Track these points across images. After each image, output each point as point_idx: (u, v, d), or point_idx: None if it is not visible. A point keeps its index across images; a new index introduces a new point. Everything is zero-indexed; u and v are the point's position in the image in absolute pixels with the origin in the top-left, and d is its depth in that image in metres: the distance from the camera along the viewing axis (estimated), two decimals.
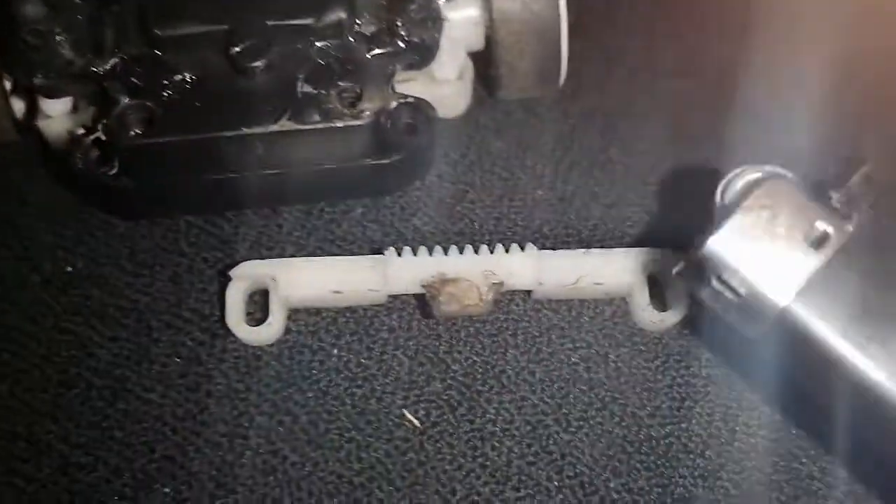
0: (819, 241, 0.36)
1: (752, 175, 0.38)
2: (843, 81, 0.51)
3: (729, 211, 0.36)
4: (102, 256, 0.45)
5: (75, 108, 0.44)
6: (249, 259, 0.44)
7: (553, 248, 0.45)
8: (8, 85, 0.44)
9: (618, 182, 0.48)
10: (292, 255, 0.45)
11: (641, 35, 0.53)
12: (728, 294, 0.36)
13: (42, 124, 0.44)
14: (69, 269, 0.45)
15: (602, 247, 0.46)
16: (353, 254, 0.46)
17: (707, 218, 0.38)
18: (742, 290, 0.36)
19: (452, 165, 0.48)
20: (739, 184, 0.38)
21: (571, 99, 0.51)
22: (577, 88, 0.51)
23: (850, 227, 0.36)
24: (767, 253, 0.36)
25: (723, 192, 0.38)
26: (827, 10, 0.54)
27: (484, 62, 0.48)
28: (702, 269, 0.36)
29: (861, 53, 0.53)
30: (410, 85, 0.45)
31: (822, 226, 0.36)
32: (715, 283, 0.36)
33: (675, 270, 0.38)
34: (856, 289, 0.35)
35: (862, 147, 0.49)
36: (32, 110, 0.45)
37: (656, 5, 0.54)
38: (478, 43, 0.47)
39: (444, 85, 0.46)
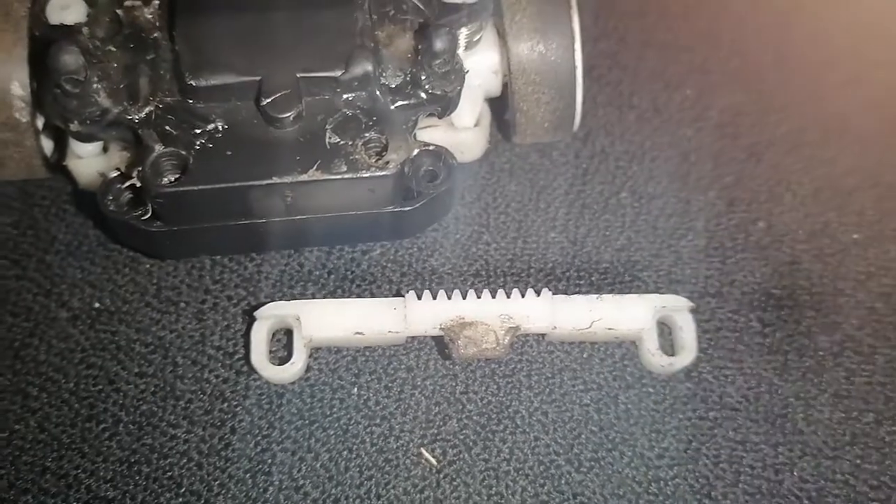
0: None
1: None
2: (844, 129, 0.53)
3: None
4: (129, 293, 0.46)
5: (105, 149, 0.45)
6: (272, 297, 0.46)
7: (565, 290, 0.47)
8: (39, 124, 0.45)
9: (628, 226, 0.50)
10: (313, 294, 0.47)
11: (651, 81, 0.55)
12: None
13: (72, 164, 0.45)
14: (97, 305, 0.46)
15: (612, 290, 0.47)
16: (372, 293, 0.47)
17: None
18: None
19: (468, 207, 0.50)
20: None
21: (584, 143, 0.52)
22: (590, 133, 0.52)
23: None
24: None
25: None
26: (829, 57, 0.56)
27: (501, 107, 0.49)
28: None
29: (862, 99, 0.54)
30: (430, 131, 0.46)
31: None
32: None
33: None
34: None
35: None
36: (63, 150, 0.46)
37: (665, 53, 0.56)
38: (495, 90, 0.48)
39: (463, 131, 0.47)
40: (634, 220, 0.50)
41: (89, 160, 0.45)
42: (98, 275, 0.47)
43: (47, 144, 0.46)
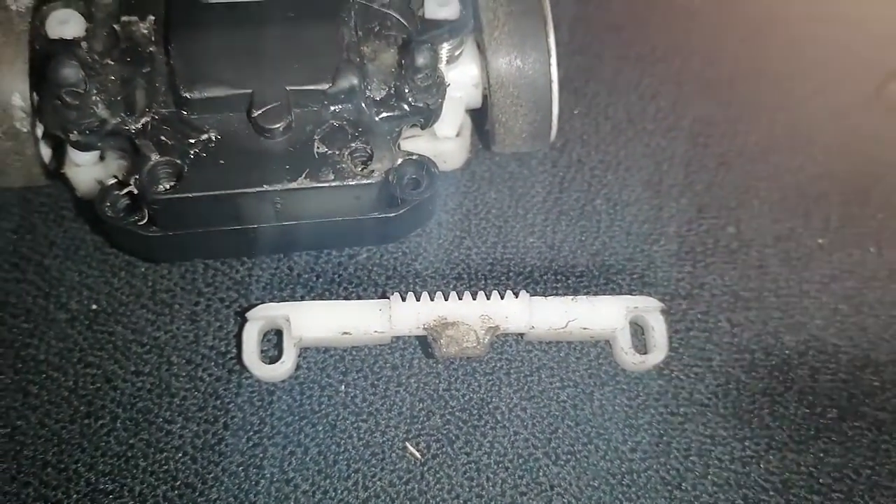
0: None
1: None
2: (811, 139, 0.55)
3: None
4: (125, 295, 0.48)
5: (102, 158, 0.47)
6: (262, 299, 0.48)
7: (543, 292, 0.49)
8: (39, 133, 0.47)
9: (603, 231, 0.52)
10: (302, 297, 0.49)
11: (627, 93, 0.57)
12: None
13: (70, 172, 0.47)
14: (94, 306, 0.48)
15: (588, 292, 0.49)
16: (358, 295, 0.49)
17: None
18: None
19: (450, 213, 0.52)
20: None
21: (561, 152, 0.54)
22: (566, 142, 0.54)
23: None
24: None
25: None
26: (798, 69, 0.58)
27: (481, 118, 0.51)
28: None
29: (828, 110, 0.57)
30: (413, 141, 0.48)
31: None
32: None
33: None
34: None
35: None
36: (61, 158, 0.48)
37: (640, 65, 0.58)
38: (476, 102, 0.50)
39: (445, 141, 0.49)
40: (609, 226, 0.52)
41: (87, 168, 0.47)
42: (95, 278, 0.49)
43: (46, 153, 0.48)
